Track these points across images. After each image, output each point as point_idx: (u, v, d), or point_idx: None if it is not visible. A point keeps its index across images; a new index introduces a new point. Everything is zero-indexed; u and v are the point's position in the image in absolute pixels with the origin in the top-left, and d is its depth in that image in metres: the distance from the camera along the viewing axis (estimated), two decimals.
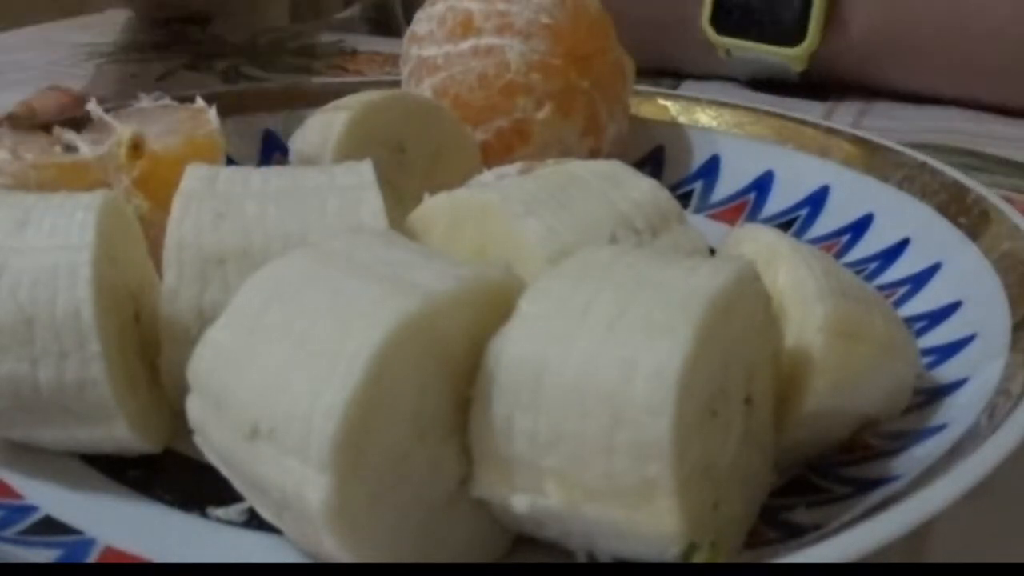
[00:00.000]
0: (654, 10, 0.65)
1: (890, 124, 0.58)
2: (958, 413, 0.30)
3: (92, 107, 0.40)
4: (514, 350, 0.25)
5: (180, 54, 0.74)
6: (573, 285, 0.26)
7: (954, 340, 0.34)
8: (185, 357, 0.27)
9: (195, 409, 0.27)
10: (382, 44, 0.75)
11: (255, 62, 0.72)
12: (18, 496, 0.30)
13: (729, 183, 0.48)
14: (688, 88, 0.64)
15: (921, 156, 0.44)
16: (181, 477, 0.31)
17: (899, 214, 0.42)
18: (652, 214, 0.33)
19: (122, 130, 0.38)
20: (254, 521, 0.28)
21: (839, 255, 0.42)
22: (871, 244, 0.42)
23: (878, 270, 0.40)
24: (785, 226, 0.44)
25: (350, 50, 0.74)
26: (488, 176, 0.38)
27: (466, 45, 0.45)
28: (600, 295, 0.25)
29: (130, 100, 0.42)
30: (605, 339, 0.24)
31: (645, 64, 0.51)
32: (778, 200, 0.46)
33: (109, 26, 0.82)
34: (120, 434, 0.30)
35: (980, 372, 0.31)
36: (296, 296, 0.26)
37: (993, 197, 0.39)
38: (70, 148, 0.38)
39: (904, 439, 0.30)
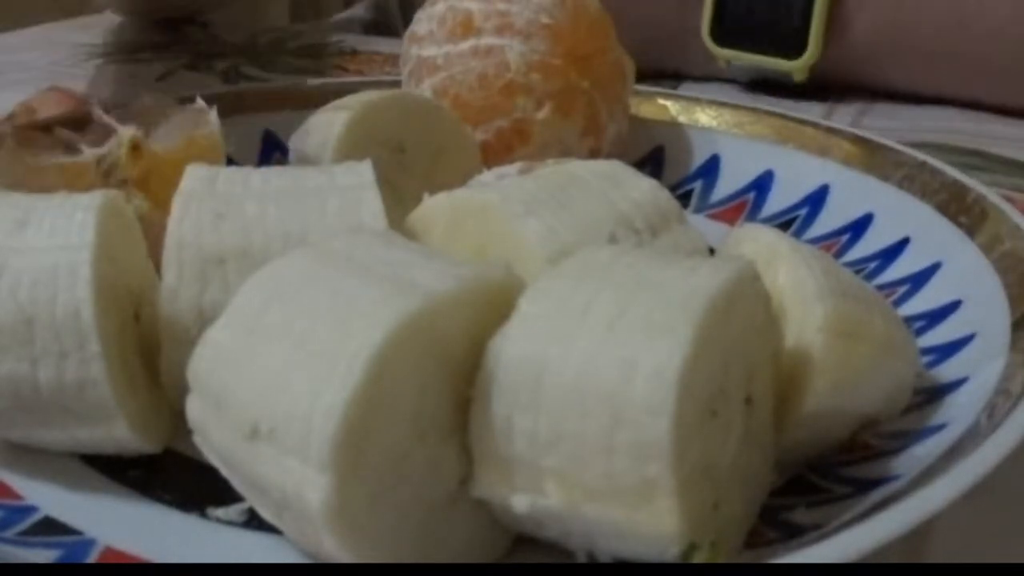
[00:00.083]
0: (654, 18, 0.65)
1: (890, 124, 0.58)
2: (958, 413, 0.30)
3: (92, 107, 0.40)
4: (514, 350, 0.25)
5: (180, 54, 0.74)
6: (573, 285, 0.26)
7: (954, 339, 0.34)
8: (185, 357, 0.27)
9: (195, 409, 0.27)
10: (382, 44, 0.75)
11: (255, 62, 0.72)
12: (18, 496, 0.30)
13: (729, 183, 0.48)
14: (688, 89, 0.64)
15: (921, 156, 0.44)
16: (181, 477, 0.31)
17: (899, 214, 0.42)
18: (652, 214, 0.33)
19: (122, 130, 0.38)
20: (254, 521, 0.28)
21: (839, 255, 0.42)
22: (871, 243, 0.42)
23: (878, 270, 0.40)
24: (785, 226, 0.44)
25: (350, 50, 0.74)
26: (488, 176, 0.38)
27: (466, 45, 0.45)
28: (600, 295, 0.25)
29: (130, 100, 0.42)
30: (605, 339, 0.24)
31: (645, 67, 0.51)
32: (778, 200, 0.46)
33: (110, 26, 0.82)
34: (120, 434, 0.30)
35: (980, 372, 0.31)
36: (296, 296, 0.26)
37: (993, 196, 0.39)
38: (70, 148, 0.38)
39: (904, 439, 0.30)
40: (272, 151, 0.50)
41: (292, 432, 0.24)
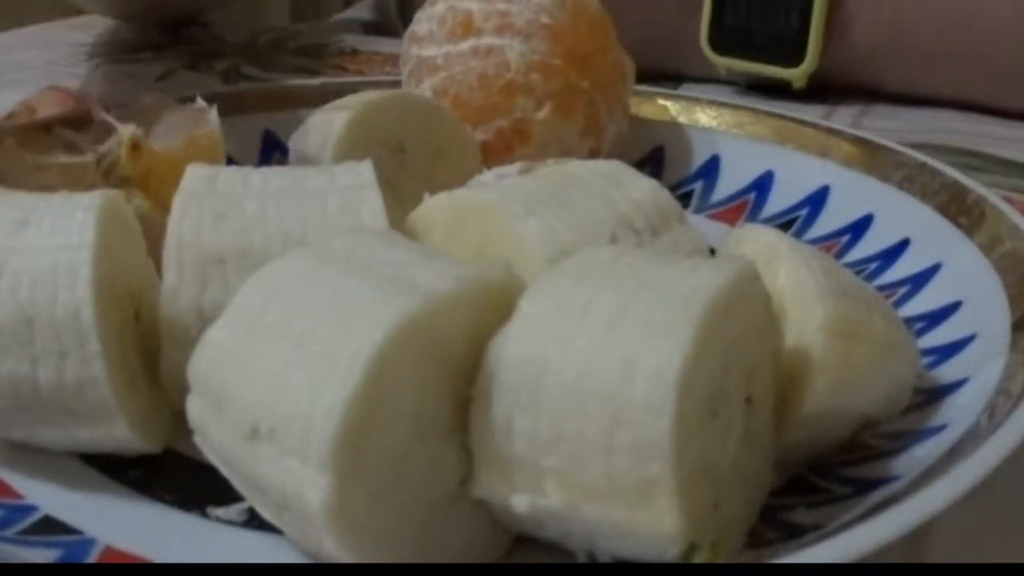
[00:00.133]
0: (653, 22, 0.65)
1: (890, 124, 0.58)
2: (958, 413, 0.30)
3: (92, 107, 0.40)
4: (514, 350, 0.25)
5: (180, 54, 0.74)
6: (573, 285, 0.26)
7: (954, 340, 0.34)
8: (185, 357, 0.27)
9: (195, 409, 0.27)
10: (382, 44, 0.75)
11: (255, 62, 0.72)
12: (18, 496, 0.30)
13: (729, 183, 0.48)
14: (688, 89, 0.64)
15: (921, 156, 0.44)
16: (181, 477, 0.31)
17: (899, 214, 0.42)
18: (652, 214, 0.33)
19: (122, 130, 0.38)
20: (254, 521, 0.28)
21: (839, 255, 0.42)
22: (871, 244, 0.42)
23: (878, 270, 0.40)
24: (785, 226, 0.44)
25: (350, 50, 0.74)
26: (488, 176, 0.38)
27: (466, 45, 0.45)
28: (600, 295, 0.25)
29: (130, 100, 0.42)
30: (605, 339, 0.24)
31: (645, 68, 0.51)
32: (778, 200, 0.46)
33: (109, 26, 0.82)
34: (120, 434, 0.30)
35: (980, 372, 0.31)
36: (296, 296, 0.26)
37: (993, 197, 0.39)
38: (70, 148, 0.38)
39: (904, 439, 0.30)
40: (272, 151, 0.50)
41: (292, 432, 0.24)
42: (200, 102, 0.42)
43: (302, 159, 0.42)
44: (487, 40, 0.44)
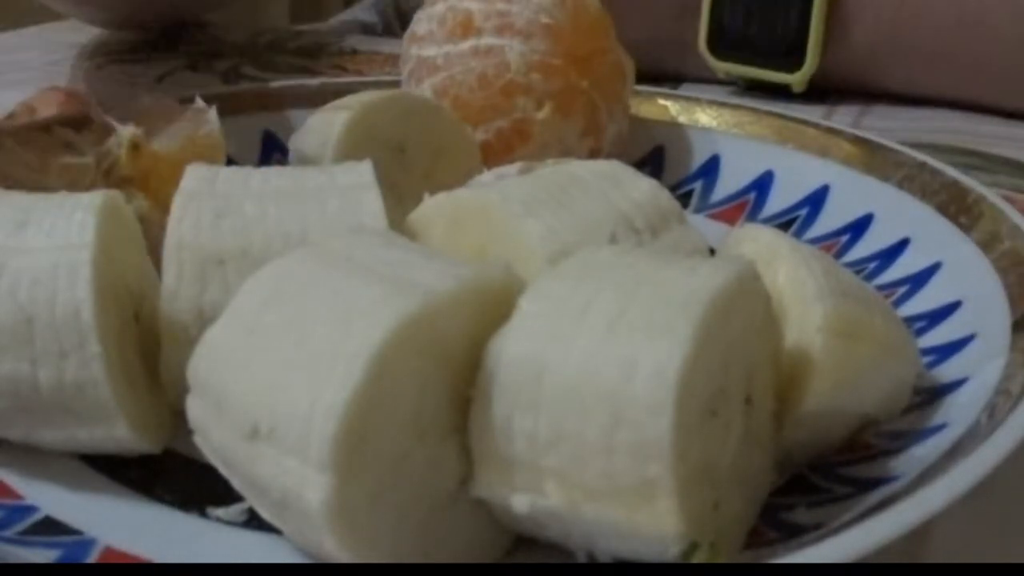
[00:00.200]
0: (653, 26, 0.65)
1: (890, 124, 0.58)
2: (958, 413, 0.30)
3: (92, 107, 0.40)
4: (514, 349, 0.25)
5: (180, 54, 0.74)
6: (573, 285, 0.26)
7: (954, 340, 0.34)
8: (185, 357, 0.27)
9: (195, 409, 0.27)
10: (382, 44, 0.75)
11: (255, 62, 0.72)
12: (18, 496, 0.30)
13: (729, 183, 0.48)
14: (688, 89, 0.64)
15: (921, 156, 0.44)
16: (181, 477, 0.31)
17: (899, 214, 0.42)
18: (652, 214, 0.33)
19: (122, 130, 0.38)
20: (254, 521, 0.28)
21: (839, 255, 0.42)
22: (871, 244, 0.42)
23: (878, 270, 0.40)
24: (785, 226, 0.44)
25: (350, 50, 0.74)
26: (488, 176, 0.38)
27: (466, 45, 0.45)
28: (600, 295, 0.25)
29: (130, 100, 0.42)
30: (605, 339, 0.24)
31: (645, 69, 0.51)
32: (778, 200, 0.46)
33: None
34: (120, 434, 0.30)
35: (980, 372, 0.31)
36: (296, 296, 0.26)
37: (993, 197, 0.39)
38: (70, 148, 0.38)
39: (904, 439, 0.30)
40: (272, 151, 0.50)
41: (292, 432, 0.24)
42: (200, 102, 0.42)
43: (302, 159, 0.42)
44: (487, 40, 0.44)
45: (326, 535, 0.24)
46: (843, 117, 0.60)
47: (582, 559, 0.26)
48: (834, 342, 0.28)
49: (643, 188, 0.34)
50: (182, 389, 0.27)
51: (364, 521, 0.24)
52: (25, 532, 0.29)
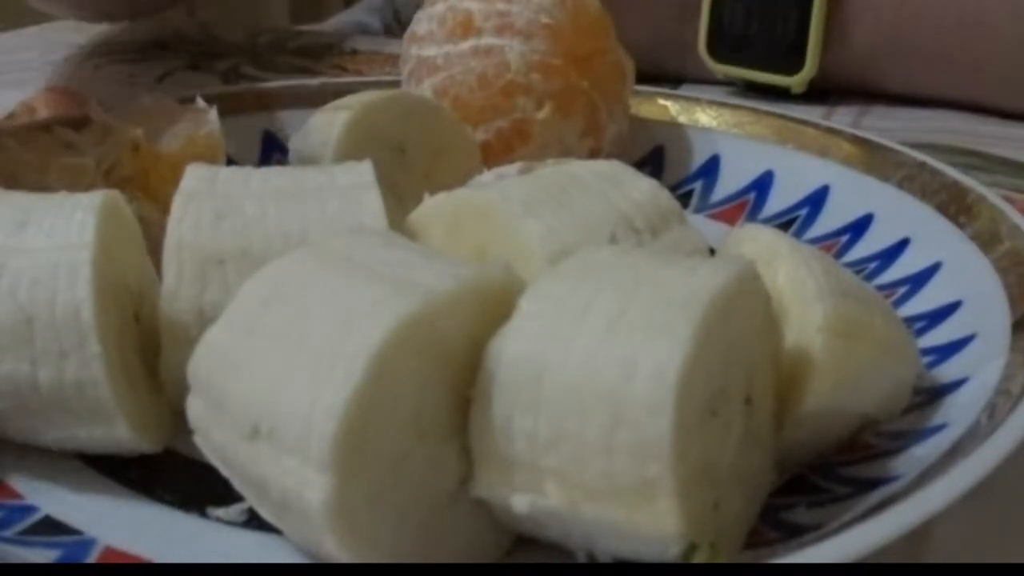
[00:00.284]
0: (653, 29, 0.65)
1: (890, 124, 0.58)
2: (958, 413, 0.30)
3: (92, 107, 0.40)
4: (514, 350, 0.25)
5: (180, 54, 0.74)
6: (573, 285, 0.26)
7: (954, 340, 0.34)
8: (185, 357, 0.27)
9: (195, 409, 0.27)
10: (382, 44, 0.75)
11: (255, 62, 0.72)
12: (18, 496, 0.30)
13: (729, 183, 0.48)
14: (688, 89, 0.64)
15: (921, 156, 0.44)
16: (181, 477, 0.31)
17: (899, 214, 0.42)
18: (652, 214, 0.33)
19: (122, 130, 0.38)
20: (254, 521, 0.28)
21: (839, 255, 0.42)
22: (871, 244, 0.42)
23: (878, 270, 0.40)
24: (785, 226, 0.44)
25: (350, 50, 0.74)
26: (488, 176, 0.38)
27: (466, 45, 0.45)
28: (600, 295, 0.25)
29: (130, 100, 0.42)
30: (605, 339, 0.24)
31: (645, 70, 0.51)
32: (778, 200, 0.46)
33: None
34: (120, 434, 0.30)
35: (980, 372, 0.31)
36: (296, 296, 0.26)
37: (993, 197, 0.39)
38: (70, 148, 0.38)
39: (904, 439, 0.30)
40: (272, 151, 0.50)
41: (292, 432, 0.24)
42: (200, 102, 0.42)
43: (302, 159, 0.42)
44: (487, 40, 0.44)
45: (326, 535, 0.24)
46: (843, 117, 0.60)
47: (582, 559, 0.26)
48: (834, 342, 0.28)
49: (643, 188, 0.34)
50: (182, 389, 0.27)
51: (364, 521, 0.24)
52: (25, 532, 0.29)
